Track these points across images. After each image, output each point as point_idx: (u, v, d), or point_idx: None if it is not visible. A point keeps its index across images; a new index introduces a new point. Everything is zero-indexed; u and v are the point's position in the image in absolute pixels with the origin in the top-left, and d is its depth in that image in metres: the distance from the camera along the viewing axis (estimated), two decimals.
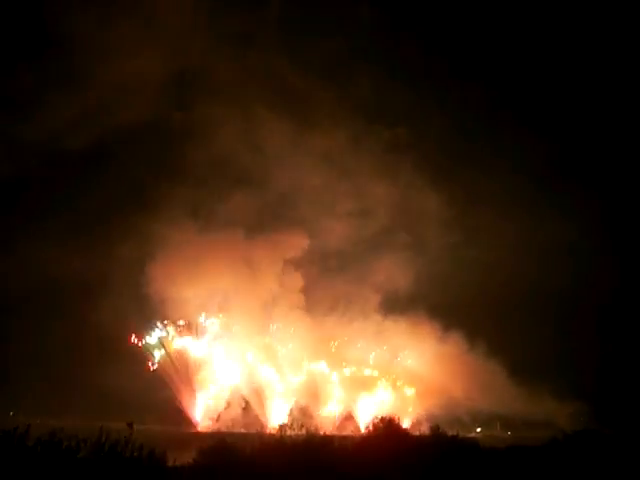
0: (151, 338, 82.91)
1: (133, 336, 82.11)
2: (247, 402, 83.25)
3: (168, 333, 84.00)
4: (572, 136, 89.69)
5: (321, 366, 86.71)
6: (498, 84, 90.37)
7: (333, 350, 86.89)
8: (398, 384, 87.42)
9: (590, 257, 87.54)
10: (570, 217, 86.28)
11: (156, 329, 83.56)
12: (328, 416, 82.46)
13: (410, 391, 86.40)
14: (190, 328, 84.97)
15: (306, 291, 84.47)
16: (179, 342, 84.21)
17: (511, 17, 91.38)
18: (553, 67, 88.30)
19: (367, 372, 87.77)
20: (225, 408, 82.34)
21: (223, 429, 77.79)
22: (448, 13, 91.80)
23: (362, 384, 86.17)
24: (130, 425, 19.94)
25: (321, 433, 32.11)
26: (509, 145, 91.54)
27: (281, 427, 27.87)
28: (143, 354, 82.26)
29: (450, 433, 34.20)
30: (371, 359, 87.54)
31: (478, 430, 79.90)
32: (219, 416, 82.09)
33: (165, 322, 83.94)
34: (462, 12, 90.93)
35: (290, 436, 27.17)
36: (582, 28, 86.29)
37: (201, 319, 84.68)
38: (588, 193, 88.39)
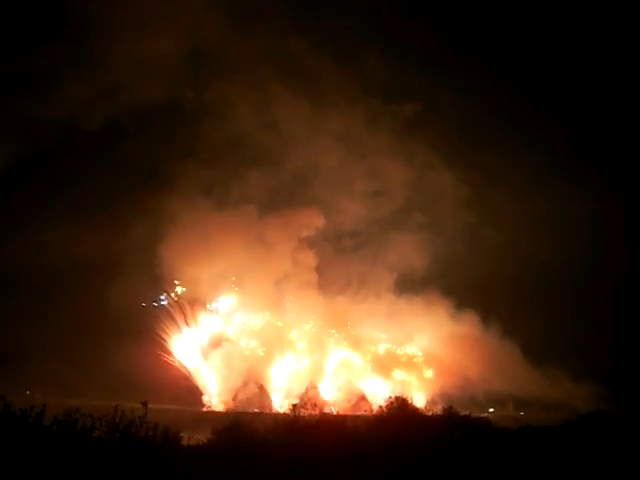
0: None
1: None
2: (262, 382, 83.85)
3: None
4: (592, 115, 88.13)
5: (334, 345, 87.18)
6: (517, 63, 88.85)
7: (347, 329, 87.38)
8: (414, 361, 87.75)
9: (609, 238, 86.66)
10: (590, 198, 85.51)
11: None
12: (341, 396, 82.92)
13: (424, 371, 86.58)
14: (204, 305, 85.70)
15: (320, 270, 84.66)
16: (193, 320, 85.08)
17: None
18: (574, 46, 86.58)
19: (380, 351, 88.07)
20: (241, 387, 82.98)
21: (238, 409, 78.37)
22: None
23: (375, 363, 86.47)
24: (144, 404, 20.05)
25: (334, 413, 32.36)
26: (528, 124, 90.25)
27: (294, 407, 27.96)
28: (156, 332, 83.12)
29: (463, 413, 34.34)
30: (384, 338, 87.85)
31: (491, 410, 79.86)
32: (235, 395, 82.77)
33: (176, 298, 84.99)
34: None
35: (303, 416, 27.36)
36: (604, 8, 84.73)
37: (216, 301, 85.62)
38: (608, 173, 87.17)
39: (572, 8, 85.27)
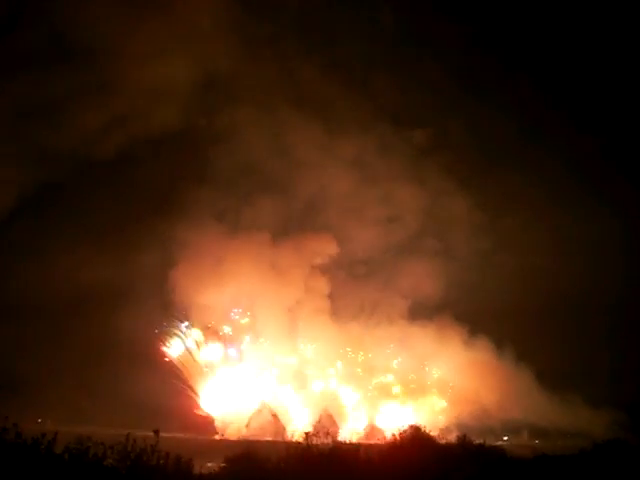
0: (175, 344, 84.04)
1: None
2: (276, 409, 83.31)
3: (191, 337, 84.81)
4: (608, 137, 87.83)
5: (348, 371, 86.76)
6: (529, 84, 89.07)
7: (360, 355, 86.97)
8: (427, 388, 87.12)
9: (625, 262, 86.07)
10: (605, 222, 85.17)
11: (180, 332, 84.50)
12: (355, 424, 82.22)
13: (438, 398, 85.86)
14: (217, 333, 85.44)
15: (332, 297, 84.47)
16: (206, 349, 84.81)
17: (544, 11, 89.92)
18: (588, 65, 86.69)
19: (394, 377, 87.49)
20: (255, 415, 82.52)
21: (251, 436, 77.80)
22: (473, 12, 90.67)
23: (389, 391, 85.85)
24: (156, 432, 19.98)
25: (347, 441, 32.03)
26: (543, 145, 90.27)
27: (307, 435, 27.64)
28: (168, 360, 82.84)
29: (477, 441, 33.89)
30: (396, 365, 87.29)
31: (505, 438, 79.00)
32: (249, 423, 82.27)
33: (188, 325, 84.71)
34: (487, 9, 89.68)
35: (316, 445, 27.05)
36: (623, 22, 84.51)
37: (228, 327, 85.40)
38: (630, 195, 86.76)
39: (586, 28, 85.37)
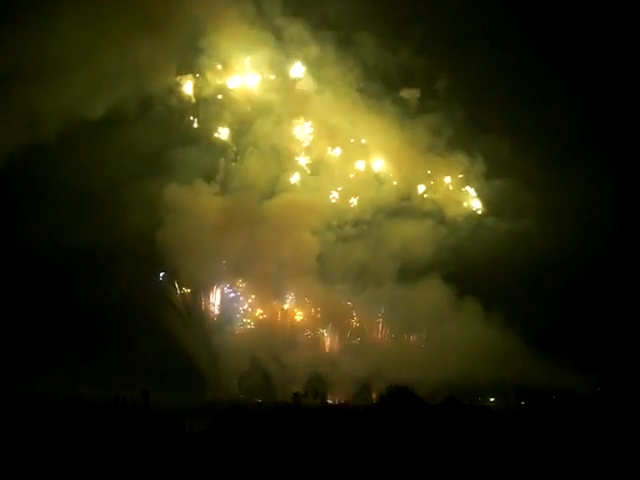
0: None
1: None
2: (267, 370, 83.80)
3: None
4: (604, 95, 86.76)
5: (336, 333, 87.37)
6: (521, 46, 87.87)
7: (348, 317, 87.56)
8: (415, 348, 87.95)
9: (617, 226, 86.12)
10: (597, 185, 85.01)
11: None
12: (344, 384, 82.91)
13: (425, 358, 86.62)
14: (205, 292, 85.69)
15: (321, 258, 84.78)
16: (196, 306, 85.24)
17: None
18: (583, 26, 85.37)
19: (382, 338, 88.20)
20: (246, 376, 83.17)
21: (242, 397, 78.54)
22: None
23: (377, 350, 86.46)
24: (145, 393, 20.14)
25: (336, 402, 32.34)
26: (534, 108, 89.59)
27: (296, 396, 27.92)
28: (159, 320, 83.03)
29: (464, 402, 34.40)
30: (385, 326, 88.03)
31: (492, 399, 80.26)
32: (240, 383, 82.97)
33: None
34: None
35: (305, 405, 27.35)
36: None
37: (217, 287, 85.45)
38: (620, 159, 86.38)
39: None
